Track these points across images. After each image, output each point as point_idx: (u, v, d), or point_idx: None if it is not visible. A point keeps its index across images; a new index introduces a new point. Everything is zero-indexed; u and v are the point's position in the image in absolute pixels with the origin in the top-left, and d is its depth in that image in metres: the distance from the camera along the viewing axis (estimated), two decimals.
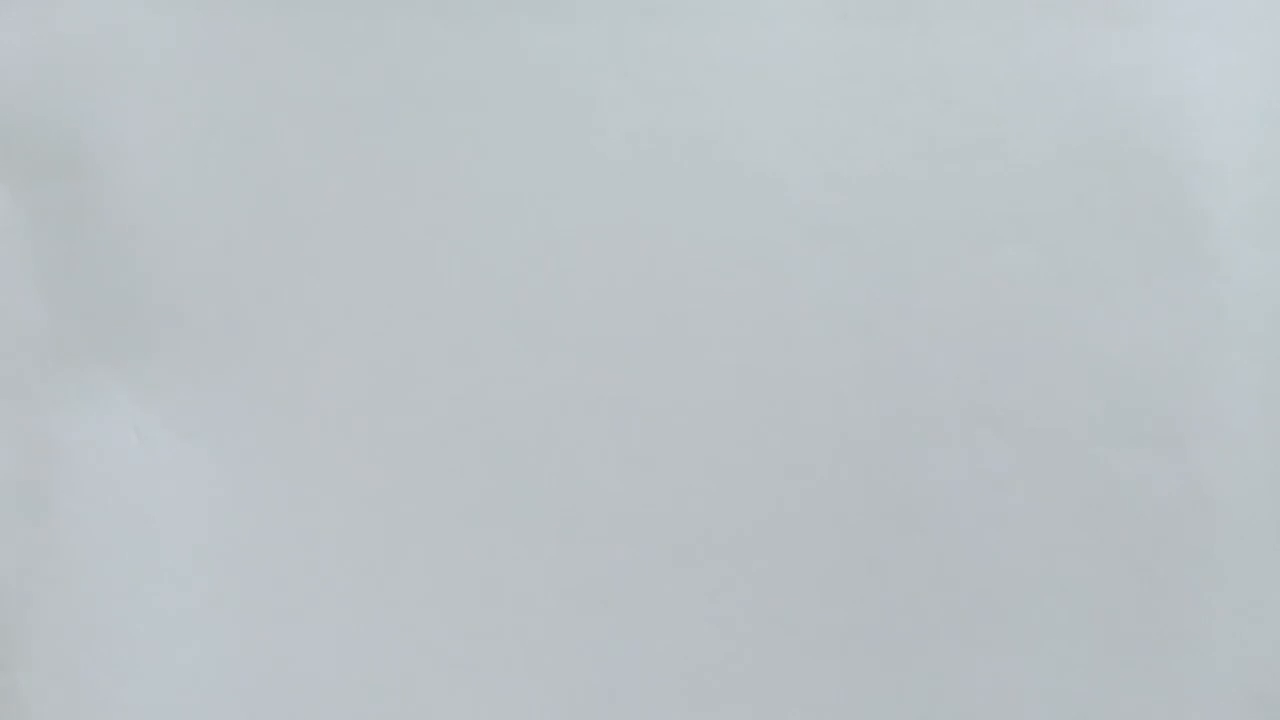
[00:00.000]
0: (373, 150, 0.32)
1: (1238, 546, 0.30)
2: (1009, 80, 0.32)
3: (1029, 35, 0.32)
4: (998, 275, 0.30)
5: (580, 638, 0.31)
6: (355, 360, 0.31)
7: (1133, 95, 0.32)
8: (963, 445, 0.31)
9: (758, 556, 0.31)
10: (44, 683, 0.31)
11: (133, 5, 0.32)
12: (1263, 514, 0.31)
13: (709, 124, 0.32)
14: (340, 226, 0.32)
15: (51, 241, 0.32)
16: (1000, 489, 0.31)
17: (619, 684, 0.31)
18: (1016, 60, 0.32)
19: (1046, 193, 0.32)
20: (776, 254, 0.32)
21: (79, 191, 0.32)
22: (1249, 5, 0.32)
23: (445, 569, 0.31)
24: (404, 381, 0.32)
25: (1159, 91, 0.32)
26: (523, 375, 0.32)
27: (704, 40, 0.32)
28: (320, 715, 0.31)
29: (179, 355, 0.32)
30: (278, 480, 0.31)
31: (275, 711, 0.31)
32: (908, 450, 0.31)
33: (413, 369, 0.32)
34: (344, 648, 0.31)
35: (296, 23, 0.32)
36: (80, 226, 0.32)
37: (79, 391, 0.32)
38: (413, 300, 0.32)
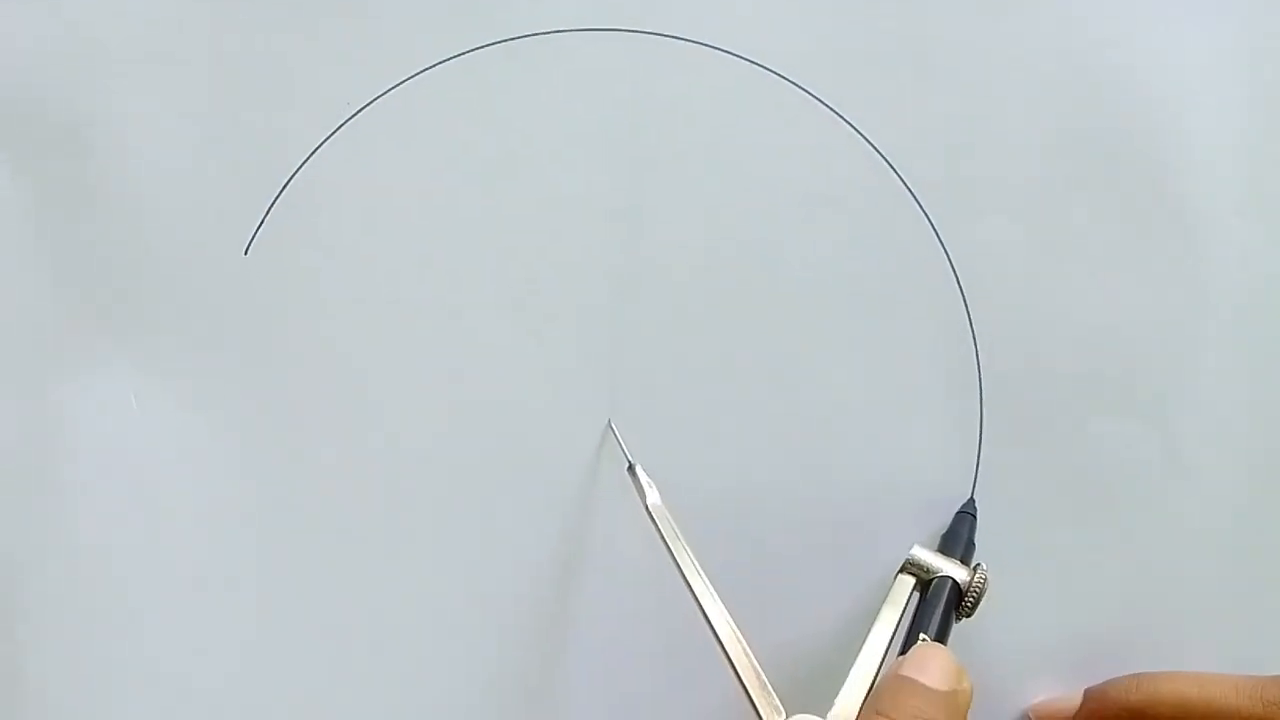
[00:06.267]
0: (372, 128, 0.32)
1: (1218, 512, 0.31)
2: (997, 59, 0.32)
3: (1017, 14, 0.32)
4: (985, 249, 0.30)
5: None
6: (348, 332, 0.32)
7: (1119, 70, 0.32)
8: (949, 415, 0.32)
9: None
10: (47, 646, 0.31)
11: None
12: (1242, 482, 0.31)
13: (694, 99, 0.32)
14: (338, 204, 0.32)
15: (55, 215, 0.32)
16: (989, 457, 0.32)
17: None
18: (1005, 39, 0.32)
19: (1033, 169, 0.32)
20: (763, 224, 0.32)
21: (82, 167, 0.32)
22: None
23: (432, 527, 0.32)
24: (394, 355, 0.32)
25: (1145, 66, 0.32)
26: (512, 363, 0.32)
27: (690, 11, 0.32)
28: (321, 671, 0.31)
29: (178, 326, 0.32)
30: (273, 446, 0.32)
31: (275, 671, 0.31)
32: (898, 418, 0.32)
33: (404, 345, 0.32)
34: (341, 605, 0.31)
35: (298, 3, 0.32)
36: (83, 201, 0.32)
37: (81, 361, 0.32)
38: (407, 277, 0.32)
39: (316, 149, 0.32)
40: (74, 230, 0.32)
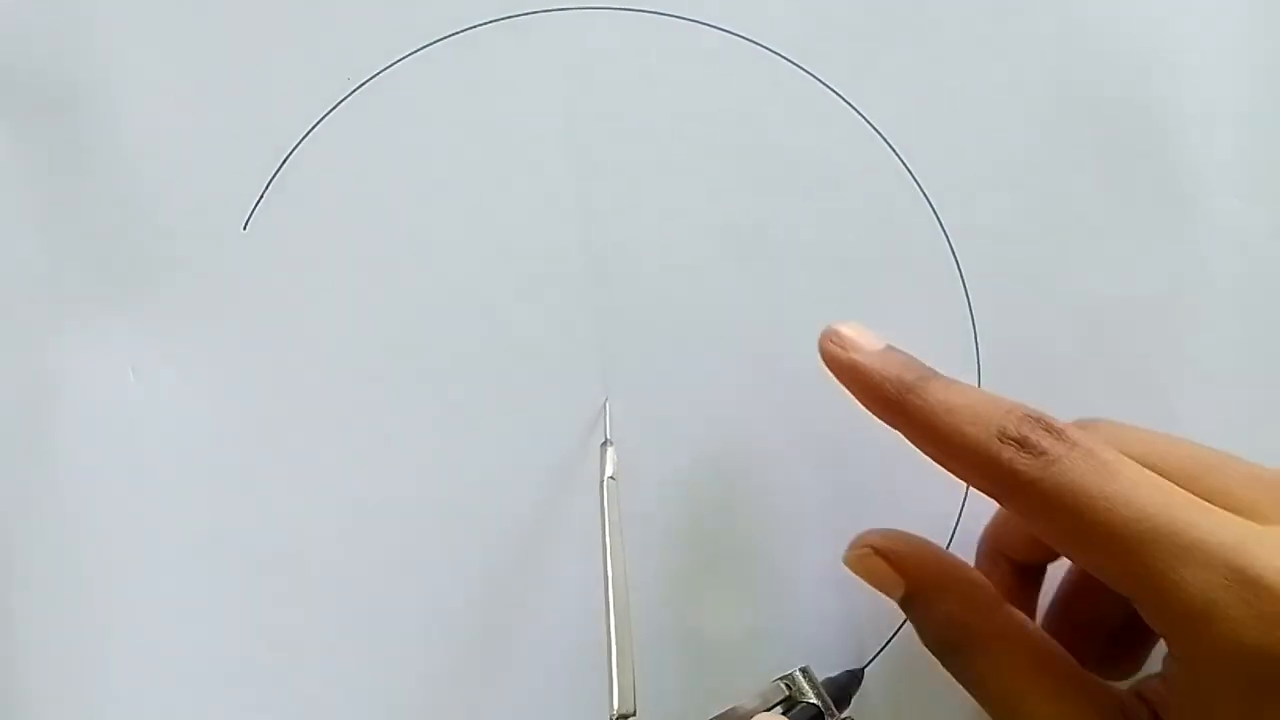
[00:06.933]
0: (373, 104, 0.32)
1: None
2: (997, 29, 0.33)
3: None
4: (983, 227, 0.31)
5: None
6: (346, 306, 0.32)
7: (1119, 45, 0.32)
8: None
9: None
10: (42, 611, 0.31)
11: None
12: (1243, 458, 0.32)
13: (691, 76, 0.33)
14: (338, 180, 0.32)
15: (51, 181, 0.32)
16: None
17: None
18: (1004, 13, 0.33)
19: (1032, 141, 0.32)
20: (758, 200, 0.32)
21: (81, 138, 0.32)
22: None
23: (426, 502, 0.31)
24: (391, 331, 0.32)
25: (1145, 41, 0.32)
26: (510, 339, 0.32)
27: None
28: (313, 637, 0.31)
29: (174, 293, 0.32)
30: (268, 414, 0.32)
31: (267, 641, 0.31)
32: None
33: (401, 321, 0.32)
34: (335, 574, 0.31)
35: None
36: (82, 173, 0.32)
37: (77, 328, 0.32)
38: (406, 253, 0.32)
39: (316, 124, 0.32)
40: (73, 202, 0.32)
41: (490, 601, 0.31)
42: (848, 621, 0.31)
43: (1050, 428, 0.24)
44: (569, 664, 0.31)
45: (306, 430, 0.32)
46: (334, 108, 0.32)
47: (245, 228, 0.32)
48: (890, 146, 0.32)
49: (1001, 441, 0.24)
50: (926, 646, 0.27)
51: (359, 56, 0.32)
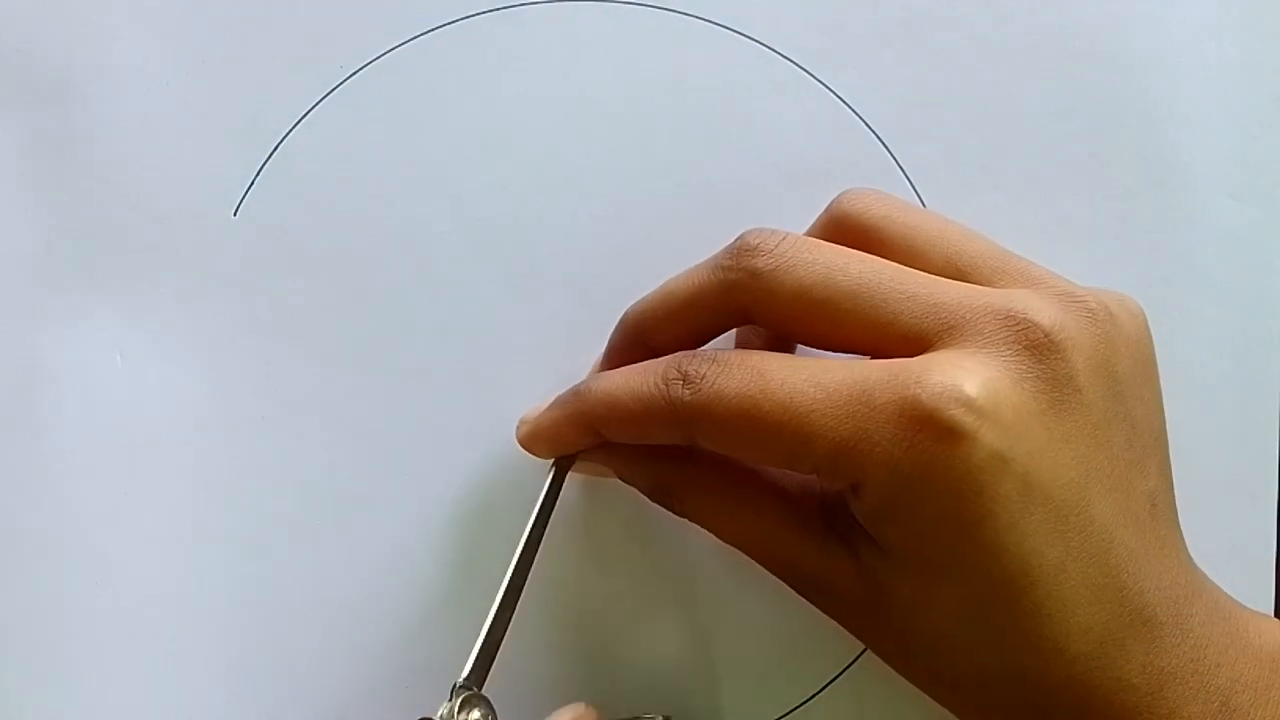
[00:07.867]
0: (366, 92, 0.32)
1: (1205, 493, 0.31)
2: (990, 29, 0.32)
3: None
4: (973, 222, 0.30)
5: None
6: (336, 294, 0.32)
7: (1113, 47, 0.32)
8: None
9: None
10: (27, 593, 0.31)
11: None
12: (1229, 461, 0.31)
13: (687, 72, 0.33)
14: (329, 168, 0.32)
15: (41, 166, 0.32)
16: None
17: None
18: (1000, 15, 0.33)
19: (1024, 141, 0.32)
20: (753, 199, 0.32)
21: (70, 117, 0.33)
22: None
23: (417, 488, 0.31)
24: (381, 320, 0.32)
25: (1139, 43, 0.32)
26: (500, 330, 0.32)
27: None
28: (302, 623, 0.31)
29: (163, 278, 0.32)
30: (255, 399, 0.32)
31: (255, 625, 0.31)
32: None
33: (391, 309, 0.32)
34: (324, 561, 0.31)
35: None
36: (70, 152, 0.32)
37: (66, 314, 0.32)
38: (396, 242, 0.32)
39: (308, 111, 0.32)
40: (63, 186, 0.32)
41: (474, 585, 0.31)
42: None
43: (709, 357, 0.26)
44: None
45: (293, 416, 0.32)
46: (326, 95, 0.32)
47: (235, 214, 0.32)
48: (881, 142, 0.32)
49: (667, 384, 0.26)
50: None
51: (352, 44, 0.32)
